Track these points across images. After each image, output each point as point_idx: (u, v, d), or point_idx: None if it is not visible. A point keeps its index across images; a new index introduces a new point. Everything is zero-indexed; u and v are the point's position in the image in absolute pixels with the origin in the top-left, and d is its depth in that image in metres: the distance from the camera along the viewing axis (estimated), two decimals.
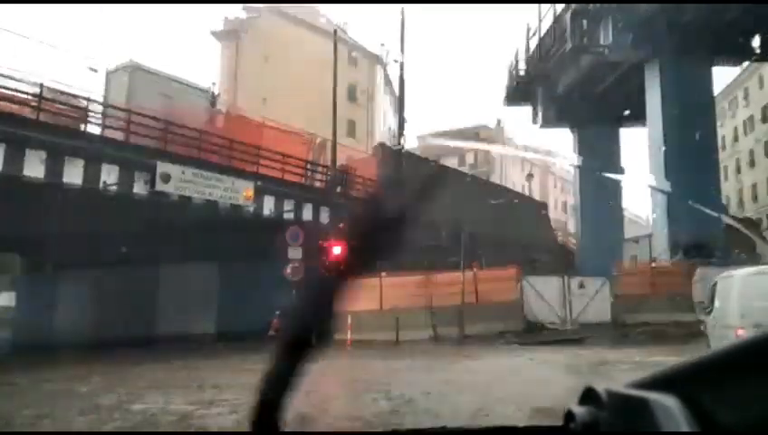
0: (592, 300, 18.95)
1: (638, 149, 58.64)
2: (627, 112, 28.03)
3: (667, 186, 22.30)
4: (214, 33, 38.91)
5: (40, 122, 14.38)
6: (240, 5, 38.57)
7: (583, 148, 28.76)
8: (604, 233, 26.39)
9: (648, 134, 24.16)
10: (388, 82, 46.17)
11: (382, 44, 46.86)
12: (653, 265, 20.98)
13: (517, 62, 30.06)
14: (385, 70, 44.55)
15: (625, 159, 30.42)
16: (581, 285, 19.05)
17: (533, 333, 17.42)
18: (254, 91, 32.11)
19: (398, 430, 1.07)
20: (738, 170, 45.55)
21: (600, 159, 27.65)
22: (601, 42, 24.03)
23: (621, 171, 29.21)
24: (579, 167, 29.03)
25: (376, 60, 42.97)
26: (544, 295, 18.62)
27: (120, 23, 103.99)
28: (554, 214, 47.46)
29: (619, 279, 19.49)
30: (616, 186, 28.56)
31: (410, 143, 37.41)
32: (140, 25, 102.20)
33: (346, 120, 32.93)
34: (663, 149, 22.31)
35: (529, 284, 18.71)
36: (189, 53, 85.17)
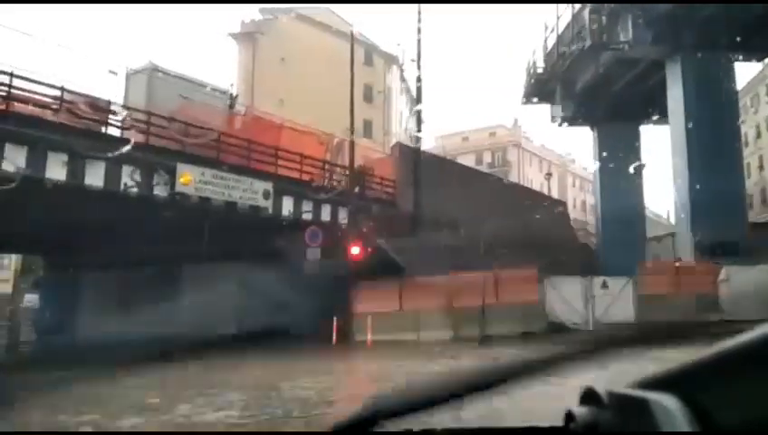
0: (616, 300, 18.69)
1: (660, 146, 57.90)
2: (647, 110, 27.59)
3: (688, 184, 21.95)
4: (231, 36, 39.11)
5: (61, 125, 14.46)
6: (257, 7, 38.76)
7: (603, 146, 28.38)
8: (626, 232, 26.00)
9: (671, 131, 23.77)
10: (403, 82, 46.10)
11: (398, 44, 46.92)
12: (677, 264, 20.61)
13: (535, 60, 29.77)
14: (401, 70, 44.46)
15: (646, 157, 29.97)
16: (604, 285, 18.81)
17: (555, 334, 17.20)
18: (270, 93, 32.21)
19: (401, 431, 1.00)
20: (761, 167, 44.78)
21: (620, 157, 27.25)
22: (621, 38, 23.70)
23: (642, 169, 28.78)
24: (599, 165, 28.62)
25: (392, 60, 42.90)
26: (566, 296, 18.41)
27: (138, 26, 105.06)
28: (573, 213, 46.97)
29: (643, 279, 19.16)
30: (637, 184, 28.13)
31: (427, 143, 37.35)
32: (159, 28, 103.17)
33: (362, 120, 32.88)
34: (685, 143, 21.99)
35: (550, 284, 18.51)
36: (207, 56, 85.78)
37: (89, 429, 5.72)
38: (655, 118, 27.77)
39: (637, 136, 29.02)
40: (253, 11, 38.95)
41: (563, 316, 18.25)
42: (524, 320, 17.52)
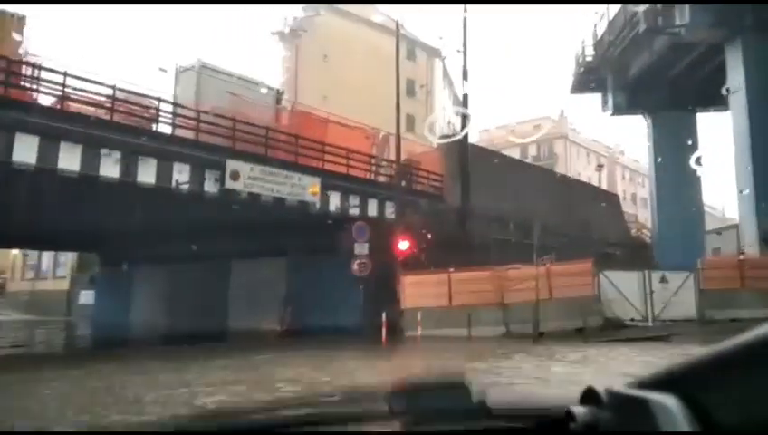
0: (676, 295, 17.91)
1: (715, 134, 55.63)
2: (705, 96, 26.38)
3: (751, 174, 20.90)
4: (274, 34, 39.31)
5: (114, 123, 14.68)
6: (300, 5, 38.83)
7: (658, 135, 27.27)
8: (683, 225, 24.94)
9: (732, 119, 22.62)
10: (446, 75, 45.54)
11: (441, 38, 46.39)
12: (741, 257, 19.62)
13: (584, 48, 28.86)
14: (443, 63, 43.93)
15: (703, 145, 28.57)
16: (663, 280, 18.03)
17: (613, 330, 16.58)
18: (313, 89, 32.19)
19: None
20: None
21: (676, 147, 26.11)
22: (677, 22, 22.66)
23: (699, 159, 27.53)
24: (653, 155, 27.51)
25: (434, 54, 42.41)
26: (623, 291, 17.71)
27: (185, 24, 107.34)
28: (624, 206, 45.60)
29: (705, 273, 18.29)
30: (695, 174, 26.94)
31: (471, 136, 36.72)
32: (205, 26, 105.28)
33: (405, 114, 32.48)
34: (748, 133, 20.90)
35: (606, 278, 17.84)
36: (251, 53, 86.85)
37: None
38: (713, 104, 26.53)
39: (693, 124, 27.78)
40: (296, 9, 39.02)
41: (620, 312, 17.57)
42: (579, 316, 16.89)
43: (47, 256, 35.19)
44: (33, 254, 35.89)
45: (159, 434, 1.14)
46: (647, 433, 0.63)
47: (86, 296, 27.15)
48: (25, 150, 12.99)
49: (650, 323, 17.44)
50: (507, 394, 1.05)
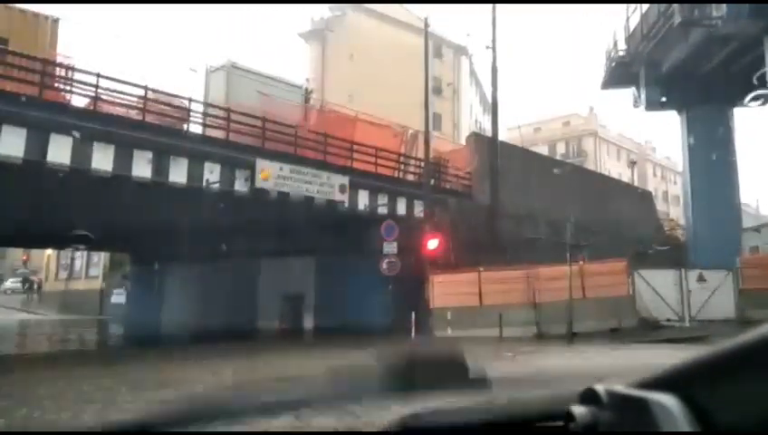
0: (713, 295, 17.42)
1: (748, 130, 54.20)
2: (742, 91, 25.60)
3: None
4: (301, 35, 39.47)
5: (146, 124, 14.80)
6: (326, 5, 38.93)
7: (692, 130, 26.53)
8: (719, 222, 24.23)
9: None
10: (473, 73, 45.20)
11: (468, 35, 46.04)
12: None
13: (616, 42, 28.27)
14: (470, 61, 43.62)
15: (740, 142, 27.76)
16: (701, 278, 17.54)
17: (649, 331, 16.18)
18: (340, 89, 32.19)
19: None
20: None
21: (711, 142, 25.39)
22: (714, 14, 22.00)
23: (736, 155, 26.74)
24: (688, 151, 26.79)
25: (461, 51, 42.13)
26: (659, 290, 17.29)
27: (214, 25, 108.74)
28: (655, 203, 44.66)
29: (744, 272, 17.75)
30: (731, 171, 26.17)
31: (500, 134, 36.35)
32: (233, 27, 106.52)
33: (431, 113, 32.34)
34: None
35: (642, 277, 17.43)
36: (279, 53, 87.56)
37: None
38: (751, 100, 25.72)
39: (729, 119, 26.97)
40: (322, 8, 39.13)
41: (656, 312, 17.16)
42: (613, 316, 16.56)
43: (80, 256, 35.80)
44: (66, 254, 36.55)
45: (159, 433, 1.16)
46: (647, 433, 0.63)
47: (118, 296, 27.54)
48: (59, 151, 13.16)
49: (687, 324, 17.00)
50: (508, 394, 1.07)
